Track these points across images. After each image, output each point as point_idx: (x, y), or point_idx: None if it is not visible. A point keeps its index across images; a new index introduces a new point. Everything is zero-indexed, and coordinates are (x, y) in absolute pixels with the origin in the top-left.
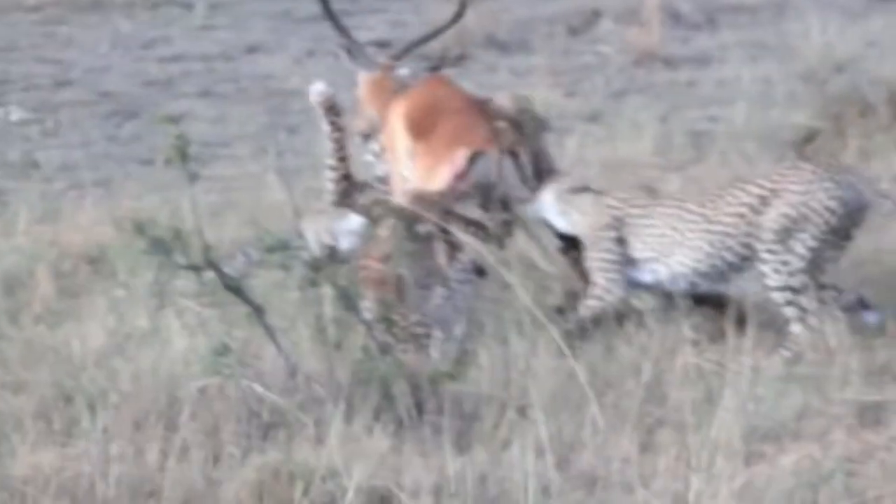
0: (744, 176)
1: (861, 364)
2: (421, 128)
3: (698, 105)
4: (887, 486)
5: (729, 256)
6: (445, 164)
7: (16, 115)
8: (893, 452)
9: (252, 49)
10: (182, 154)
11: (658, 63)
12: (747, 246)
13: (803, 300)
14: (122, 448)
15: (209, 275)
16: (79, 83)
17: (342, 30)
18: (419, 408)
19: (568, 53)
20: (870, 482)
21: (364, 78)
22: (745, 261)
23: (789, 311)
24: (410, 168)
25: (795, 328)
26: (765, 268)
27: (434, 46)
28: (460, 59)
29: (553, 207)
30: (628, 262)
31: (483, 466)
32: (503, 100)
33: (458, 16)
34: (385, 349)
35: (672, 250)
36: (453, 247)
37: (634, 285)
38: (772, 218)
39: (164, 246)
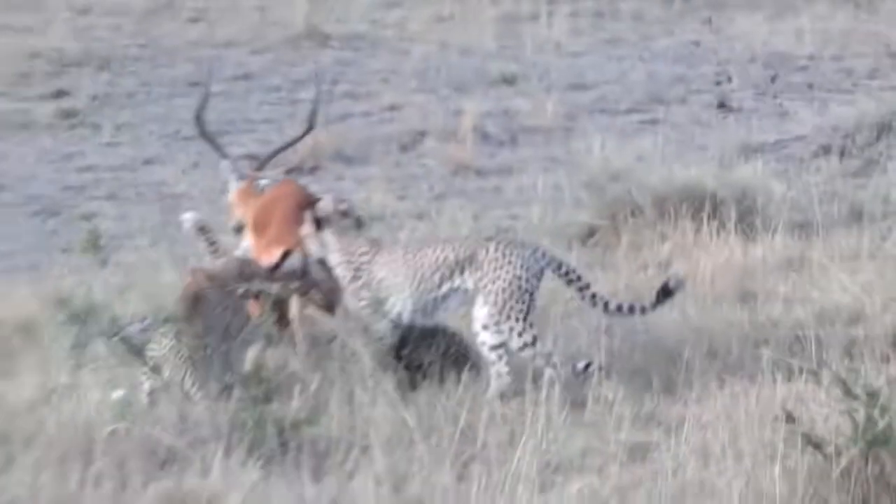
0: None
1: (631, 412)
2: (258, 228)
3: (503, 206)
4: None
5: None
6: (265, 257)
7: None
8: (657, 483)
9: (149, 161)
10: (94, 245)
11: (471, 173)
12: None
13: (539, 348)
14: (49, 478)
15: (116, 341)
16: (12, 188)
17: (217, 147)
18: (284, 446)
19: (399, 165)
20: None
21: (233, 188)
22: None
23: (537, 364)
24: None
25: (548, 372)
26: (499, 338)
27: (293, 159)
28: (314, 170)
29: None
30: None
31: (334, 493)
32: (327, 202)
33: (306, 132)
34: (256, 400)
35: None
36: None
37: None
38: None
39: (80, 318)
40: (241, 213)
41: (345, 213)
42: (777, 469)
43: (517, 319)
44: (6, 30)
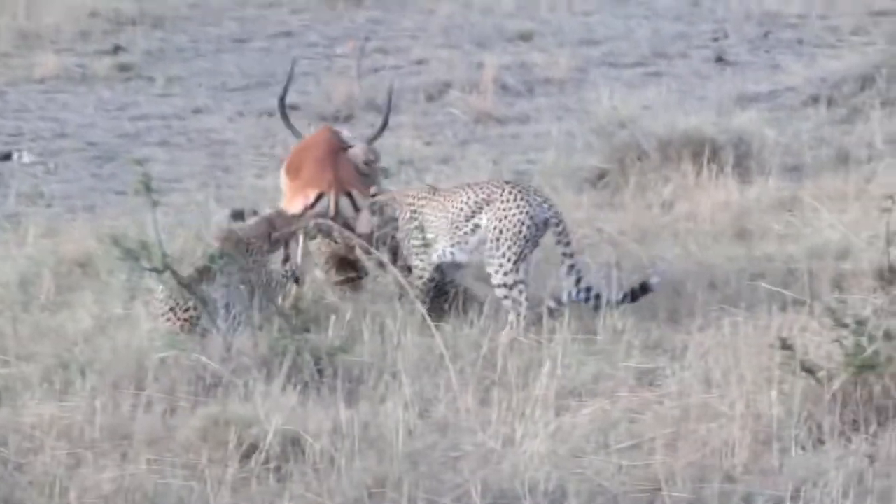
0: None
1: (640, 340)
2: (292, 172)
3: (521, 152)
4: (659, 430)
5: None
6: (300, 198)
7: (27, 158)
8: (663, 406)
9: (197, 110)
10: (146, 187)
11: (492, 121)
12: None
13: (515, 294)
14: (103, 403)
15: (167, 275)
16: (72, 135)
17: (294, 131)
18: (320, 373)
19: (426, 114)
20: (647, 428)
21: None
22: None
23: (506, 304)
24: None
25: (511, 316)
26: (488, 269)
27: (329, 109)
28: (348, 118)
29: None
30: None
31: (366, 416)
32: (357, 150)
33: (382, 128)
34: (294, 330)
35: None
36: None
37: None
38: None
39: (134, 254)
40: None
41: (370, 162)
42: (774, 393)
43: (508, 259)
44: None
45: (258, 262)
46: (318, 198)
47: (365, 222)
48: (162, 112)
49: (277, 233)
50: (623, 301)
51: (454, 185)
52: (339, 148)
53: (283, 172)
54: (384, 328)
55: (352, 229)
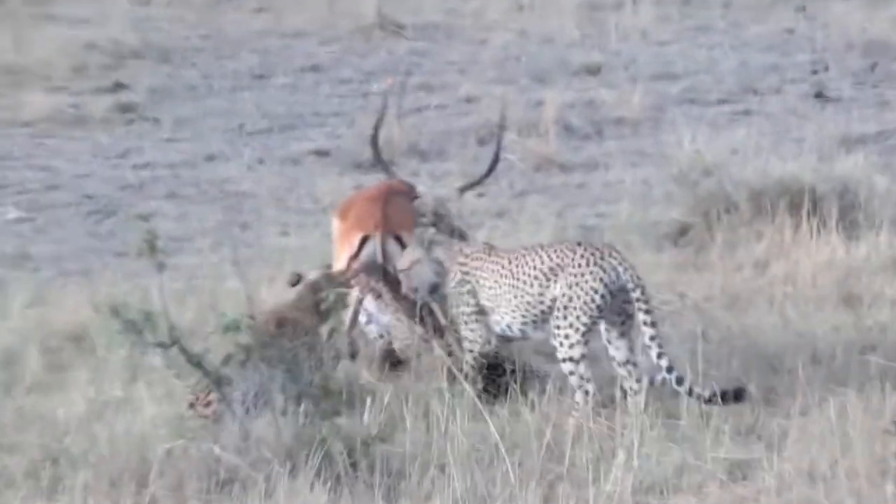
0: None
1: (731, 426)
2: (343, 214)
3: (588, 204)
4: None
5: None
6: (346, 245)
7: (12, 214)
8: (759, 503)
9: (210, 158)
10: (151, 247)
11: (554, 168)
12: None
13: (581, 369)
14: (99, 502)
15: (175, 351)
16: (65, 187)
17: (391, 174)
18: (354, 466)
19: (478, 160)
20: None
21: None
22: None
23: (572, 381)
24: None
25: (577, 396)
26: (553, 341)
27: (364, 154)
28: (390, 165)
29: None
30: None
31: None
32: (427, 199)
33: (489, 172)
34: (324, 415)
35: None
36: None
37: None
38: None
39: (136, 326)
40: None
41: (440, 216)
42: (890, 487)
43: (576, 329)
44: (62, 21)
45: (307, 345)
46: (364, 242)
47: (406, 261)
48: (169, 160)
49: (326, 302)
50: (710, 401)
51: (518, 247)
52: (399, 191)
53: (334, 217)
54: (429, 413)
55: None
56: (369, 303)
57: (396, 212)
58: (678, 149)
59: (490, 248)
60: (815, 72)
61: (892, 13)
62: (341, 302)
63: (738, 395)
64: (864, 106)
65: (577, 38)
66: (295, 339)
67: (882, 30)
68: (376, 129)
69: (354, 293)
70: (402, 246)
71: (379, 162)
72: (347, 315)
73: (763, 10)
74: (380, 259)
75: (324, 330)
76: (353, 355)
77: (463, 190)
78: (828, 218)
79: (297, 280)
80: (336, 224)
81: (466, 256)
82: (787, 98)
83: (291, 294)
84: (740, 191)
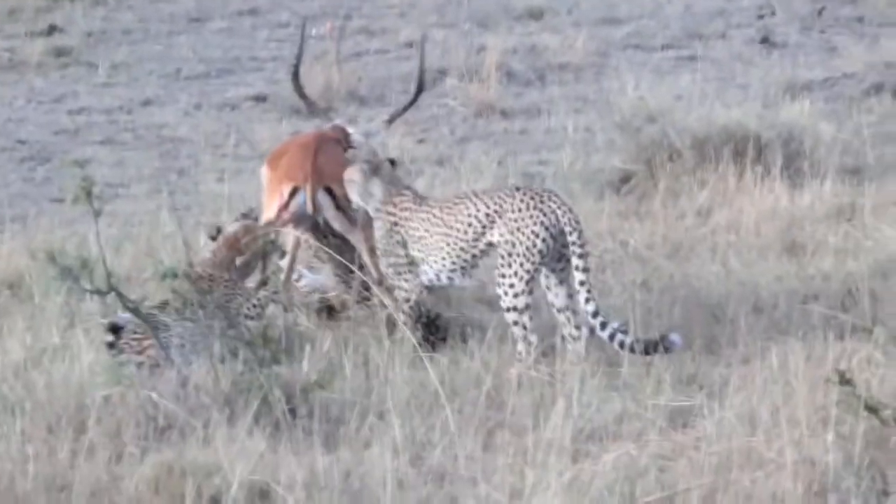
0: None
1: (672, 374)
2: (273, 162)
3: (530, 150)
4: (694, 480)
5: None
6: (275, 195)
7: None
8: (700, 451)
9: (147, 103)
10: (87, 194)
11: (496, 114)
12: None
13: (525, 319)
14: (37, 448)
15: (111, 297)
16: None
17: (318, 111)
18: (293, 413)
19: (418, 106)
20: (680, 477)
21: None
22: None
23: (515, 331)
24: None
25: (520, 346)
26: (497, 290)
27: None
28: (327, 111)
29: None
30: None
31: (348, 464)
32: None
33: (416, 96)
34: (262, 362)
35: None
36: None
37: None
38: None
39: (72, 273)
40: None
41: (391, 161)
42: (830, 436)
43: (520, 278)
44: None
45: (227, 297)
46: (293, 193)
47: (343, 220)
48: (105, 105)
49: (244, 256)
50: (633, 351)
51: (450, 195)
52: (332, 139)
53: (265, 164)
54: (369, 360)
55: (333, 233)
56: (299, 261)
57: (328, 162)
58: (621, 95)
59: (419, 198)
60: (761, 17)
61: None
62: (259, 255)
63: (663, 345)
64: (811, 52)
65: None
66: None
67: None
68: (296, 66)
69: (290, 242)
70: (333, 197)
71: (304, 100)
72: (285, 264)
73: None
74: (310, 210)
75: (246, 284)
76: (285, 307)
77: (390, 121)
78: (772, 166)
79: (216, 232)
80: (266, 173)
81: (395, 206)
82: (732, 43)
83: (208, 250)
84: (684, 138)
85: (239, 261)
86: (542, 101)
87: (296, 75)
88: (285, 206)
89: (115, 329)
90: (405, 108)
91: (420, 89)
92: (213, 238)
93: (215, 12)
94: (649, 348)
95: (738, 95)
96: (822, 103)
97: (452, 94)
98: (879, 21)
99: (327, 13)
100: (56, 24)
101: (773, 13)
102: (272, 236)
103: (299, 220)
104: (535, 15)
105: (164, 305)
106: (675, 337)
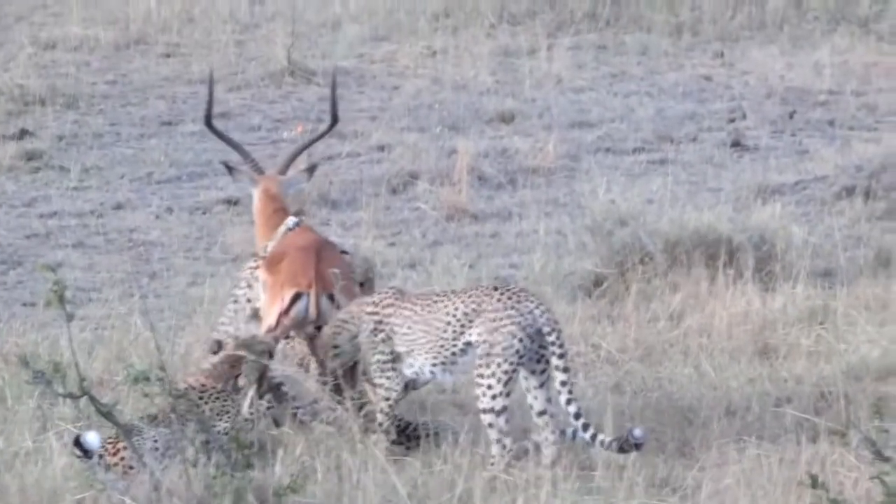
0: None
1: (645, 478)
2: (271, 267)
3: (502, 254)
4: None
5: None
6: (276, 302)
7: None
8: None
9: (118, 206)
10: (59, 298)
11: (467, 218)
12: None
13: (501, 422)
14: None
15: (84, 401)
16: None
17: (234, 145)
18: None
19: (390, 209)
20: None
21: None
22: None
23: (490, 434)
24: (262, 300)
25: (494, 449)
26: (475, 391)
27: None
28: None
29: None
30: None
31: None
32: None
33: (331, 127)
34: (236, 466)
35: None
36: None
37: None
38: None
39: (45, 377)
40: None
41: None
42: None
43: (498, 379)
44: None
45: (218, 410)
46: (296, 299)
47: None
48: (77, 208)
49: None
50: (609, 448)
51: (431, 292)
52: (329, 243)
53: (263, 269)
54: (341, 464)
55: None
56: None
57: (329, 268)
58: (593, 198)
59: (400, 293)
60: (732, 120)
61: (810, 60)
62: (256, 374)
63: (631, 443)
64: (782, 155)
65: (491, 85)
66: (205, 404)
67: (801, 77)
68: (208, 111)
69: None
70: (335, 303)
71: (223, 140)
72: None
73: (680, 57)
74: (313, 316)
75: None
76: (277, 422)
77: (310, 169)
78: (744, 269)
79: (217, 349)
80: (264, 277)
81: (376, 305)
82: (703, 147)
83: (207, 362)
84: (655, 241)
85: (240, 380)
86: (514, 204)
87: (208, 120)
88: (286, 311)
89: (84, 450)
90: (320, 136)
91: (334, 120)
92: (215, 353)
93: (187, 116)
94: (623, 446)
95: (709, 199)
96: (794, 206)
97: (423, 198)
98: (850, 124)
99: (298, 116)
100: (27, 128)
101: (745, 116)
102: (271, 351)
103: (299, 326)
104: (506, 118)
105: (153, 418)
106: (637, 431)
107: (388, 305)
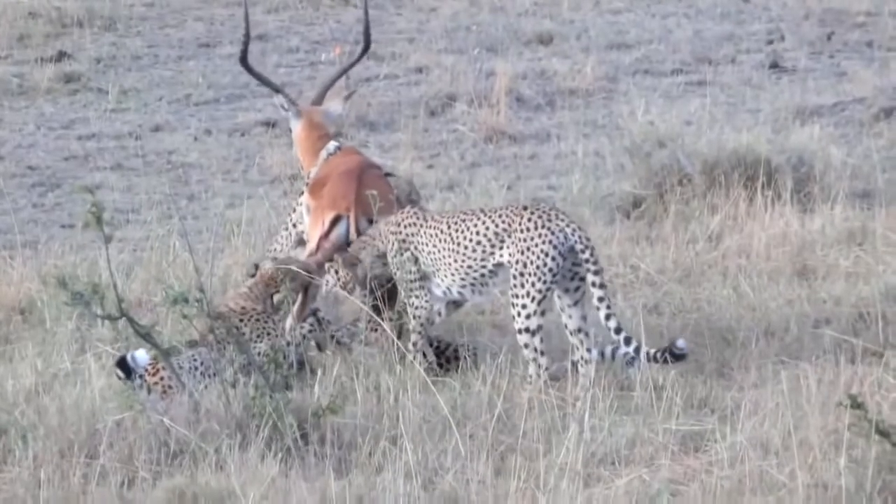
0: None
1: (684, 398)
2: (314, 191)
3: (540, 175)
4: None
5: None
6: (318, 226)
7: None
8: (712, 475)
9: (157, 128)
10: (98, 219)
11: (505, 139)
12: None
13: (537, 342)
14: (49, 473)
15: (122, 323)
16: (8, 158)
17: (266, 82)
18: (304, 438)
19: (428, 132)
20: (692, 501)
21: (293, 126)
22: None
23: (526, 353)
24: (306, 224)
25: (531, 369)
26: (511, 311)
27: None
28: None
29: None
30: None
31: (360, 489)
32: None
33: (363, 53)
34: (274, 387)
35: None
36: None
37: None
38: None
39: (84, 299)
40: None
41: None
42: (843, 460)
43: (532, 298)
44: None
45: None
46: (335, 222)
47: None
48: (115, 130)
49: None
50: (652, 360)
51: (457, 211)
52: (373, 166)
53: (306, 192)
54: (380, 385)
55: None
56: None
57: (371, 190)
58: (631, 120)
59: (424, 213)
60: (770, 41)
61: None
62: (297, 292)
63: (673, 355)
64: (821, 76)
65: (529, 7)
66: (244, 326)
67: None
68: (244, 49)
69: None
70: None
71: (258, 79)
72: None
73: None
74: (353, 239)
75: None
76: (319, 346)
77: (348, 97)
78: (782, 190)
79: (255, 271)
80: (308, 202)
81: (398, 224)
82: (742, 68)
83: (245, 285)
84: (694, 162)
85: (276, 298)
86: (552, 126)
87: (244, 57)
88: (326, 234)
89: (126, 370)
90: (359, 58)
91: (367, 45)
92: (252, 275)
93: (225, 38)
94: (667, 356)
95: (748, 120)
96: (832, 128)
97: (462, 120)
98: (889, 45)
99: (336, 38)
100: (65, 51)
101: (783, 38)
102: (312, 275)
103: (339, 249)
104: (545, 40)
105: (193, 343)
106: (680, 342)
107: (411, 224)
